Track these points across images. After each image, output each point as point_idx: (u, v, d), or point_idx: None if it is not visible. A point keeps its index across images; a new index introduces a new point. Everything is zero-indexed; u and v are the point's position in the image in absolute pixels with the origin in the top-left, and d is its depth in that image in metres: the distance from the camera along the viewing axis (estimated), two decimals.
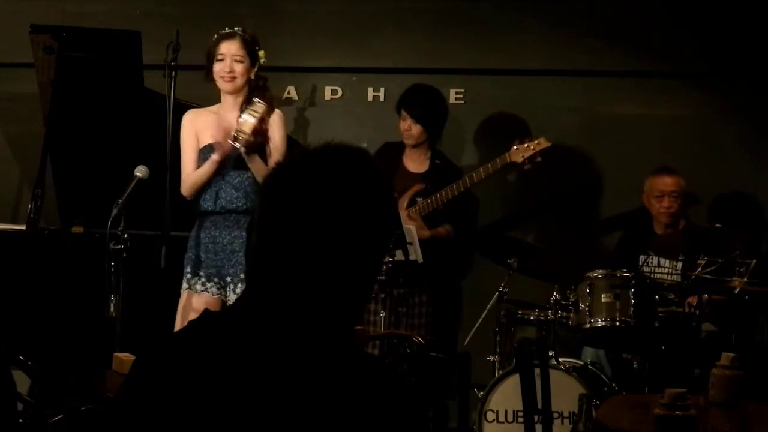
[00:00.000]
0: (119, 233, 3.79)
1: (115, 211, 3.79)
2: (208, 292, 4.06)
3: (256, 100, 4.03)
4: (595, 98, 5.45)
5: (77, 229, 4.55)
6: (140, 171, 3.90)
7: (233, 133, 3.97)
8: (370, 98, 5.53)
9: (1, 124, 5.75)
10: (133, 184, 3.86)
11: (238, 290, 3.99)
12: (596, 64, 5.40)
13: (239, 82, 4.09)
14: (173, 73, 4.18)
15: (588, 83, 5.46)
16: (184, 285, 4.09)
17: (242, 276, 3.99)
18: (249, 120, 3.97)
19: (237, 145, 3.97)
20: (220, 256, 4.05)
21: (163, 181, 4.10)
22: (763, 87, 5.23)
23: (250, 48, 4.09)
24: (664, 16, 5.33)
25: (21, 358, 3.61)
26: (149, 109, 4.60)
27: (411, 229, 4.51)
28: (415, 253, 4.43)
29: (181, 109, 4.23)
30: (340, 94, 5.58)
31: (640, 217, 5.07)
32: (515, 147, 4.77)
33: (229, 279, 4.04)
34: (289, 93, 5.56)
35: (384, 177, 1.48)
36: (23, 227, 4.35)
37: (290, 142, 4.97)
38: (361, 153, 1.48)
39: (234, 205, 4.06)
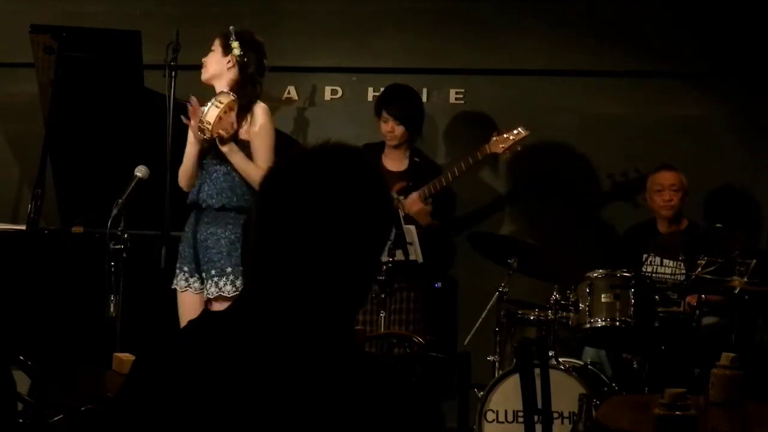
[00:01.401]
0: (119, 233, 3.79)
1: (115, 211, 3.79)
2: (191, 288, 4.09)
3: (224, 90, 4.05)
4: (595, 98, 5.45)
5: (77, 229, 4.55)
6: (140, 171, 3.90)
7: (198, 125, 3.99)
8: (370, 98, 5.52)
9: (1, 124, 5.75)
10: (133, 184, 3.86)
11: (212, 290, 3.99)
12: (596, 64, 5.40)
13: (208, 70, 4.14)
14: (173, 73, 4.19)
15: (588, 83, 5.45)
16: (174, 281, 4.13)
17: (213, 273, 4.00)
18: (211, 111, 3.95)
19: (204, 136, 3.99)
20: (196, 251, 4.07)
21: (163, 181, 4.10)
22: (763, 87, 5.23)
23: (224, 40, 4.13)
24: (664, 16, 5.32)
25: (21, 358, 3.60)
26: (149, 109, 4.60)
27: (411, 229, 4.51)
28: (415, 253, 4.43)
29: (181, 109, 4.23)
30: (340, 94, 5.58)
31: (643, 216, 5.07)
32: (494, 138, 4.81)
33: (204, 275, 4.06)
34: (289, 93, 5.56)
35: (382, 176, 1.49)
36: (23, 227, 4.35)
37: (290, 141, 4.99)
38: (358, 153, 1.48)
39: (213, 200, 4.07)
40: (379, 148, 4.99)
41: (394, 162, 4.98)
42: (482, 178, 5.22)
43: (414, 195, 4.79)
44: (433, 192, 4.79)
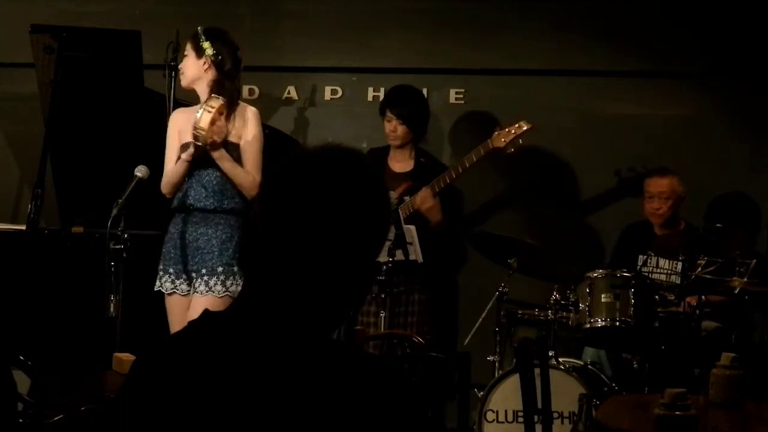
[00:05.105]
0: (119, 233, 3.79)
1: (115, 211, 3.79)
2: (178, 290, 4.05)
3: (213, 95, 3.99)
4: (595, 98, 5.45)
5: (77, 229, 4.55)
6: (140, 171, 3.90)
7: (193, 132, 3.93)
8: (370, 98, 5.53)
9: (1, 124, 5.75)
10: (133, 184, 3.86)
11: (201, 287, 3.98)
12: (596, 64, 5.40)
13: (186, 76, 4.07)
14: (173, 72, 4.19)
15: (588, 83, 5.45)
16: (157, 283, 4.08)
17: (204, 271, 3.98)
18: (204, 116, 3.89)
19: (198, 143, 3.93)
20: (186, 252, 4.03)
21: None
22: (763, 87, 5.23)
23: (194, 42, 4.07)
24: (664, 16, 5.32)
25: (21, 358, 3.61)
26: (149, 109, 4.60)
27: (411, 229, 4.51)
28: (415, 253, 4.43)
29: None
30: (340, 94, 5.58)
31: (639, 217, 5.07)
32: (496, 132, 4.81)
33: (194, 275, 4.02)
34: (289, 93, 5.56)
35: (379, 177, 1.49)
36: (23, 227, 4.35)
37: (290, 141, 4.99)
38: (356, 154, 1.48)
39: (202, 204, 4.02)
40: (384, 151, 5.00)
41: (400, 163, 4.98)
42: (481, 177, 5.21)
43: (424, 191, 4.77)
44: (437, 190, 4.79)
